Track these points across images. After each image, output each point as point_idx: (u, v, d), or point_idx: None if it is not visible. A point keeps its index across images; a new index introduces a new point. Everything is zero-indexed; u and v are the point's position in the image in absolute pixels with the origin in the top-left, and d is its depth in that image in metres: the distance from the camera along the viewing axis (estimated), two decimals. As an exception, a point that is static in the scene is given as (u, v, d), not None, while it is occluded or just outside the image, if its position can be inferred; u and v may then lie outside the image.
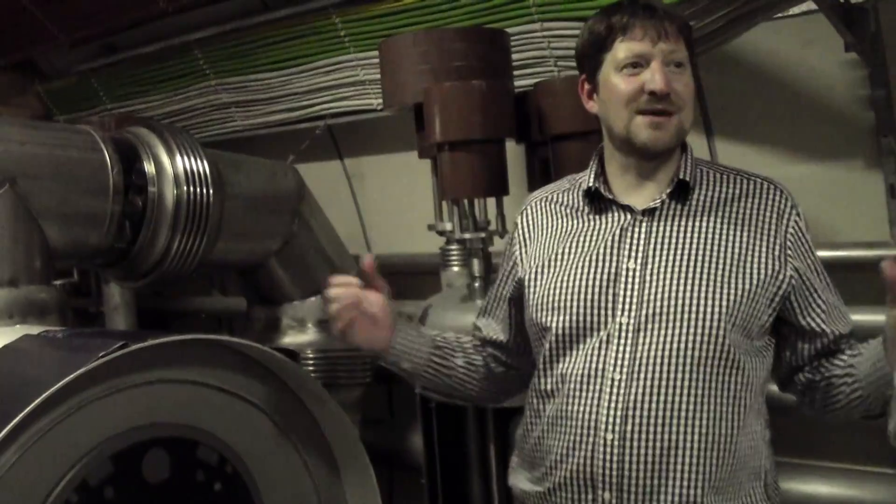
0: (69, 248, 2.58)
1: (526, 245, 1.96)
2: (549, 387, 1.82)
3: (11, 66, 4.64)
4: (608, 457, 1.71)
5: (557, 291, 1.82)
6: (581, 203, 1.88)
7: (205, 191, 2.81)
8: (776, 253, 1.74)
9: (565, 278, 1.82)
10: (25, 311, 2.30)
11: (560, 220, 1.92)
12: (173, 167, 2.76)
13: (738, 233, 1.75)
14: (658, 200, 1.80)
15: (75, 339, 1.98)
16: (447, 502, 2.83)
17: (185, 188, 2.76)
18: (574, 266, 1.82)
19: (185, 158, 2.79)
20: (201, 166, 2.81)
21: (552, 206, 1.95)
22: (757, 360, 1.76)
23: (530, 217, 1.99)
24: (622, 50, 1.75)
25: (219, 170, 2.91)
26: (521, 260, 1.95)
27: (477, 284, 2.74)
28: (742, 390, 1.73)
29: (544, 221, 1.95)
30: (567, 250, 1.85)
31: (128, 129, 2.89)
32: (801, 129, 3.01)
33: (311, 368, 3.20)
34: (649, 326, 1.72)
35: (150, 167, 2.73)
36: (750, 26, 2.77)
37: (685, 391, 1.69)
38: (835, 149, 2.97)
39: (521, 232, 1.99)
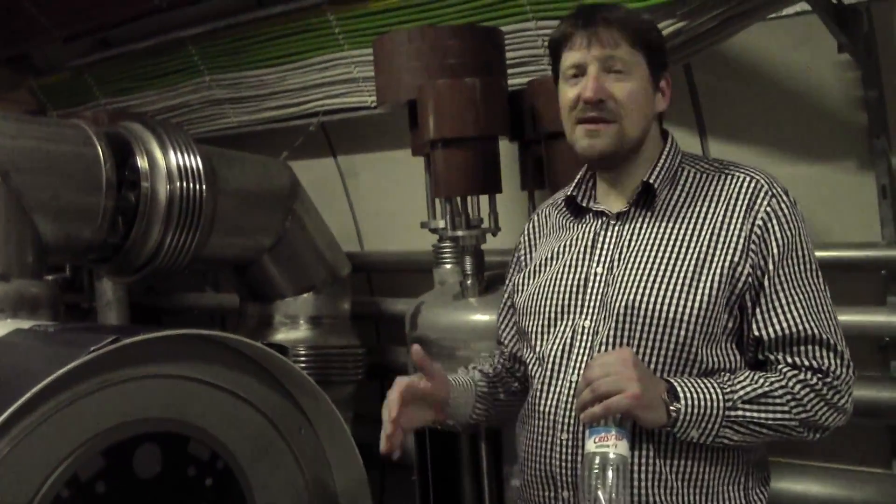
0: (62, 243, 2.58)
1: (528, 252, 2.03)
2: (527, 386, 1.88)
3: (5, 60, 4.62)
4: (563, 456, 1.75)
5: (535, 296, 1.87)
6: (566, 209, 1.94)
7: (198, 186, 2.81)
8: (740, 248, 1.71)
9: (544, 283, 1.87)
10: (17, 306, 2.30)
11: (555, 227, 1.98)
12: (166, 163, 2.76)
13: (703, 234, 1.74)
14: (627, 204, 1.82)
15: (66, 333, 1.97)
16: (438, 500, 2.83)
17: (178, 184, 2.76)
18: (553, 271, 1.87)
19: (179, 154, 2.79)
20: (194, 162, 2.81)
21: (554, 212, 2.01)
22: (722, 362, 1.73)
23: (535, 224, 2.05)
24: (565, 60, 1.80)
25: (212, 165, 2.91)
26: (524, 266, 2.00)
27: (469, 282, 2.74)
28: None
29: (545, 229, 2.02)
30: (552, 256, 1.91)
31: (121, 124, 2.89)
32: (793, 129, 3.01)
33: (303, 365, 3.20)
34: (606, 329, 1.74)
35: (143, 162, 2.73)
36: (743, 26, 2.77)
37: None
38: (827, 149, 2.97)
39: (525, 239, 2.06)
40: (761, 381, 1.69)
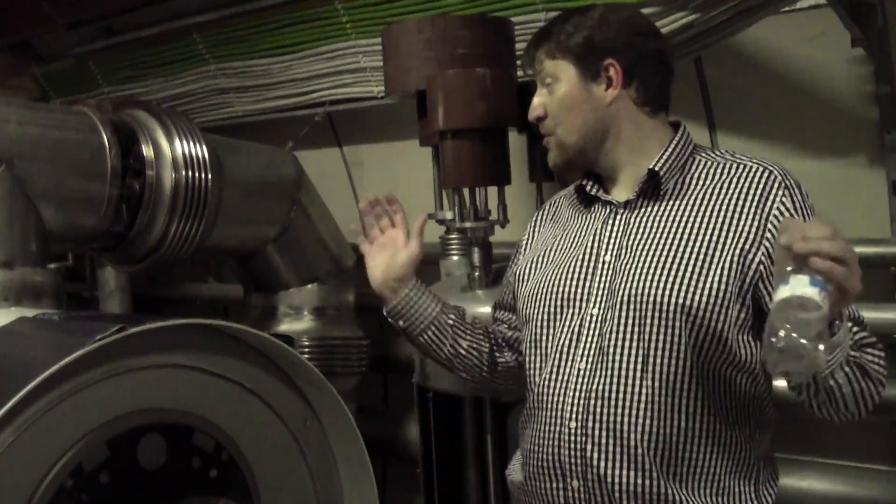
0: (65, 231, 2.56)
1: (531, 239, 2.05)
2: (530, 376, 1.87)
3: (8, 47, 4.60)
4: (572, 445, 1.74)
5: (542, 284, 1.88)
6: (576, 199, 1.96)
7: (203, 175, 2.79)
8: (752, 238, 1.70)
9: (550, 271, 1.88)
10: (20, 294, 2.28)
11: (563, 217, 1.99)
12: (172, 151, 2.74)
13: (712, 222, 1.73)
14: (634, 193, 1.83)
15: (71, 322, 1.96)
16: (442, 493, 2.82)
17: (183, 172, 2.74)
18: (560, 260, 1.88)
19: (184, 142, 2.77)
20: (200, 151, 2.79)
21: (566, 203, 2.02)
22: (738, 354, 1.72)
23: (542, 214, 2.08)
24: None
25: (217, 155, 2.89)
26: (525, 253, 2.03)
27: (477, 274, 2.73)
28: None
29: (553, 217, 2.03)
30: (558, 245, 1.92)
31: (126, 111, 2.87)
32: (804, 124, 2.99)
33: (307, 356, 3.18)
34: (614, 317, 1.74)
35: (148, 151, 2.71)
36: (756, 20, 2.76)
37: (641, 383, 1.70)
38: (838, 144, 2.95)
39: (530, 228, 2.08)
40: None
